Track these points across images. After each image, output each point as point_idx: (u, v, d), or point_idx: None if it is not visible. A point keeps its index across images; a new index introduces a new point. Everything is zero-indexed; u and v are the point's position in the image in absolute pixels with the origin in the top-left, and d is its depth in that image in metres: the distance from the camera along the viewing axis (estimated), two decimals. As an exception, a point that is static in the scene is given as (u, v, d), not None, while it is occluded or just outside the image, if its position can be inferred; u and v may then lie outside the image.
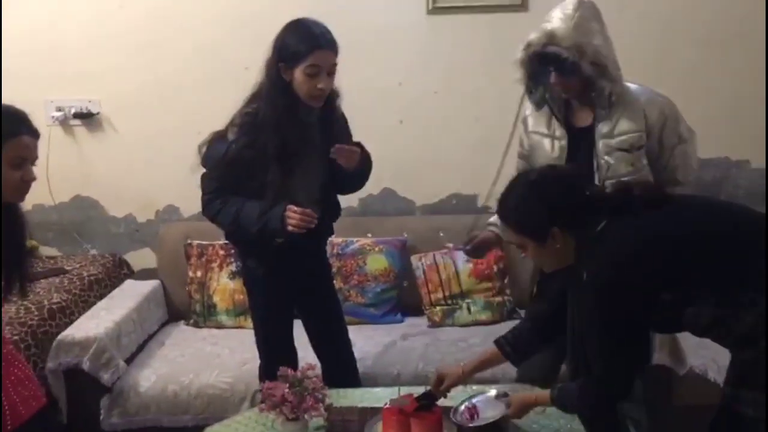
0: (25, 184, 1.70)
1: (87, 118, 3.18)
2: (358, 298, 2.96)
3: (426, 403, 1.87)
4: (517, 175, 1.80)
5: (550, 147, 2.09)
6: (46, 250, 3.27)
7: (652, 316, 1.55)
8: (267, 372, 2.27)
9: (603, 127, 2.04)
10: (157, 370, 2.60)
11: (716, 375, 2.48)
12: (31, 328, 2.44)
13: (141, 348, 2.78)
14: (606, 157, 2.03)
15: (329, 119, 2.16)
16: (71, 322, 2.60)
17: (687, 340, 2.12)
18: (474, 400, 1.90)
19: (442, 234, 3.08)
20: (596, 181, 2.01)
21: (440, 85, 3.21)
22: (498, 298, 2.96)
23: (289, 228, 2.00)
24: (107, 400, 2.50)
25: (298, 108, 2.04)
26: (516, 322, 2.90)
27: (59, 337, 2.46)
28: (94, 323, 2.57)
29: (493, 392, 1.92)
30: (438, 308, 2.95)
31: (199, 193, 2.16)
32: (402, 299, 3.04)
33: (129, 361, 2.64)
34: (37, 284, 2.77)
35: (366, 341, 2.75)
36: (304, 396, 1.84)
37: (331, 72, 2.03)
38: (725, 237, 1.54)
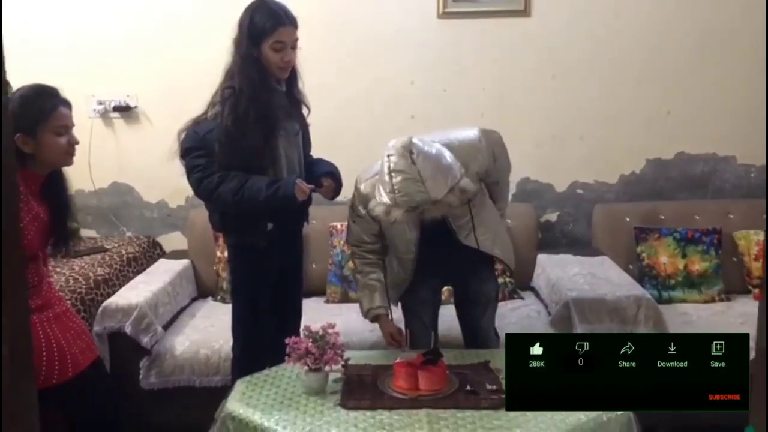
0: (71, 147, 1.97)
1: (125, 111, 3.47)
2: (371, 277, 3.22)
3: (432, 358, 2.12)
4: None
5: (407, 231, 2.29)
6: (85, 232, 3.53)
7: None
8: (241, 363, 2.39)
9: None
10: (190, 336, 2.86)
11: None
12: (80, 295, 2.72)
13: (174, 319, 3.04)
14: (454, 212, 2.20)
15: (293, 92, 2.36)
16: (113, 292, 2.87)
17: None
18: None
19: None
20: (448, 225, 2.25)
21: (449, 83, 3.47)
22: (500, 280, 3.21)
23: (298, 194, 2.18)
24: (146, 362, 2.76)
25: (268, 78, 2.24)
26: (517, 301, 3.20)
27: (104, 304, 2.72)
28: (135, 293, 2.84)
29: None
30: (444, 287, 3.19)
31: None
32: (412, 279, 3.29)
33: (165, 329, 2.89)
34: (81, 260, 3.06)
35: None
36: (326, 349, 2.09)
37: (294, 46, 2.24)
38: None
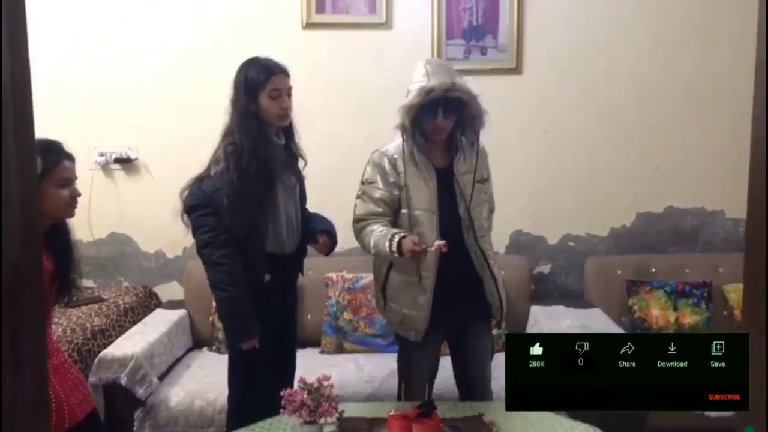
0: (73, 200, 2.00)
1: (126, 163, 3.54)
2: (366, 328, 3.24)
3: (426, 410, 2.14)
4: None
5: (425, 187, 2.32)
6: (83, 282, 3.56)
7: None
8: (237, 414, 2.38)
9: (461, 166, 2.35)
10: (185, 387, 2.87)
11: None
12: (77, 345, 2.73)
13: (169, 369, 3.05)
14: (468, 190, 2.34)
15: (291, 145, 2.44)
16: (110, 342, 2.89)
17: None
18: None
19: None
20: (461, 211, 2.32)
21: (443, 138, 3.55)
22: (494, 330, 3.23)
23: (245, 344, 2.28)
24: (141, 413, 2.76)
25: (266, 132, 2.32)
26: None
27: (100, 354, 2.74)
28: (131, 343, 2.85)
29: None
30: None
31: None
32: (406, 331, 3.31)
33: (160, 379, 2.90)
34: (79, 310, 3.09)
35: (374, 367, 3.02)
36: (321, 401, 2.11)
37: (289, 94, 2.33)
38: None
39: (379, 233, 2.25)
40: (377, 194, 2.34)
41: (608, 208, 3.60)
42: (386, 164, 2.35)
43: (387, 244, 2.19)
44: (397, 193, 2.34)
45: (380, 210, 2.34)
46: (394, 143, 2.38)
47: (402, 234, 2.20)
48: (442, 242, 2.14)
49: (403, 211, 2.34)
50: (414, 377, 2.48)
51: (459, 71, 3.43)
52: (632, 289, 3.28)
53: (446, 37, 3.47)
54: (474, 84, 3.48)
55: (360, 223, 2.36)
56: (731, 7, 3.46)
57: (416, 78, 2.31)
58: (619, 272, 3.40)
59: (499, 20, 3.47)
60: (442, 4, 3.45)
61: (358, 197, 2.39)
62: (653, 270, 3.40)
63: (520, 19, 3.46)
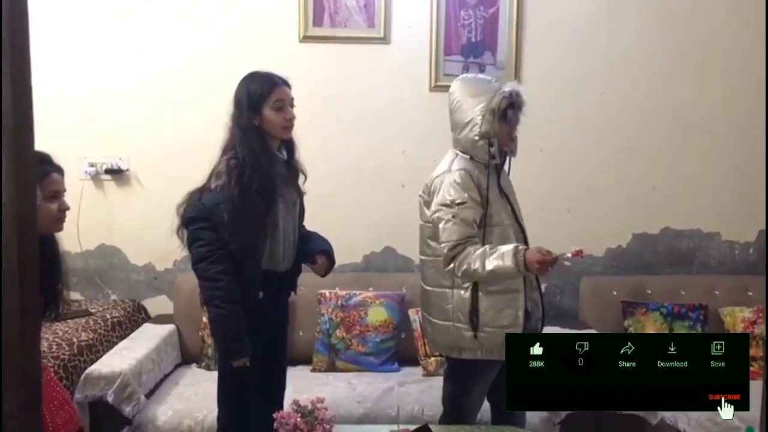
0: (61, 213, 1.96)
1: (117, 174, 3.47)
2: (358, 347, 3.19)
3: (426, 435, 2.10)
4: None
5: (501, 200, 2.32)
6: (69, 294, 3.50)
7: None
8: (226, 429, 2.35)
9: (504, 181, 2.38)
10: (173, 405, 2.80)
11: (686, 426, 2.72)
12: (63, 361, 2.66)
13: (157, 386, 2.99)
14: (517, 205, 2.39)
15: (292, 161, 2.39)
16: (97, 358, 2.82)
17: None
18: None
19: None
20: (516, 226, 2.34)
21: (439, 153, 3.49)
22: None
23: (235, 363, 2.21)
24: (127, 432, 2.70)
25: (269, 147, 2.28)
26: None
27: (87, 371, 2.67)
28: (118, 360, 2.78)
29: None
30: (432, 359, 3.18)
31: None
32: (399, 349, 3.26)
33: (147, 397, 2.83)
34: (66, 324, 3.01)
35: (366, 386, 2.97)
36: (315, 425, 2.06)
37: (292, 105, 2.29)
38: None
39: (493, 253, 2.14)
40: (471, 215, 2.21)
41: (604, 228, 3.58)
42: (471, 183, 2.24)
43: (513, 260, 2.10)
44: (482, 211, 2.25)
45: (474, 231, 2.22)
46: (466, 161, 2.29)
47: (524, 247, 2.16)
48: (579, 248, 2.12)
49: (489, 228, 2.26)
50: (478, 399, 2.42)
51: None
52: (628, 311, 3.25)
53: (444, 53, 3.44)
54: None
55: (456, 249, 2.20)
56: (727, 33, 3.47)
57: (477, 91, 2.29)
58: (615, 293, 3.37)
59: (498, 37, 3.44)
60: (441, 20, 3.42)
61: (447, 221, 2.21)
62: (649, 291, 3.38)
63: (519, 36, 3.45)
